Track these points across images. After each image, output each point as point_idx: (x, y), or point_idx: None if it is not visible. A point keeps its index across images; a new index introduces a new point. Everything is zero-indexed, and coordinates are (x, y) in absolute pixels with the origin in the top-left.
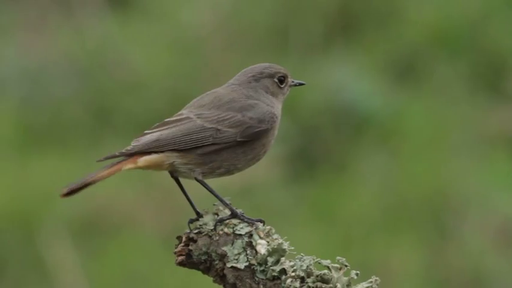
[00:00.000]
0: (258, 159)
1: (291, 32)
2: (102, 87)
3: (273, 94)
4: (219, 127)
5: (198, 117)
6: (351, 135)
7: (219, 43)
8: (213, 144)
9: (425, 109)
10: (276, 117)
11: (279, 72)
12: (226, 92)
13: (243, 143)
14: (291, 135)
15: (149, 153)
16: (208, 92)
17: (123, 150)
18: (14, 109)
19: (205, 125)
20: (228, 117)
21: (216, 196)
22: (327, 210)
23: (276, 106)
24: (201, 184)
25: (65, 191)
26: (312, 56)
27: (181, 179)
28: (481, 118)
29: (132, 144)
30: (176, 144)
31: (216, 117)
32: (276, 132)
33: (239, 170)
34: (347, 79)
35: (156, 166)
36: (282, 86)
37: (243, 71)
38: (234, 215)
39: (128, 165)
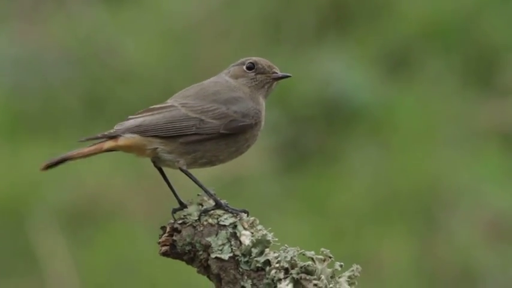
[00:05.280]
0: (241, 153)
1: (283, 23)
2: (94, 76)
3: (235, 77)
4: (203, 117)
5: (182, 106)
6: (342, 127)
7: (211, 33)
8: (195, 134)
9: (416, 102)
10: (261, 113)
11: (249, 59)
12: (210, 84)
13: (226, 136)
14: (282, 126)
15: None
16: (194, 84)
17: (106, 133)
18: (6, 96)
19: (189, 114)
20: (212, 108)
21: (200, 186)
22: (317, 201)
23: (246, 94)
24: (186, 174)
25: (44, 164)
26: (304, 47)
27: (164, 169)
28: (472, 111)
29: (115, 128)
30: (158, 130)
31: (200, 108)
32: (261, 127)
33: (221, 161)
34: (339, 71)
35: (137, 149)
36: (250, 72)
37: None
38: (218, 205)
39: (109, 143)
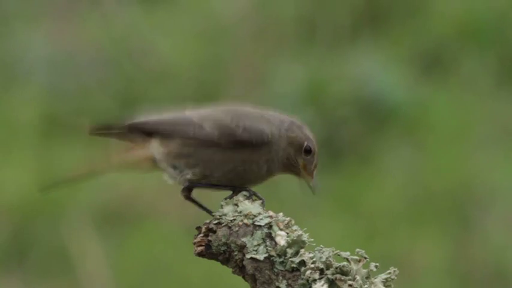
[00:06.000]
0: (242, 178)
1: (318, 22)
2: (129, 76)
3: (290, 140)
4: (204, 124)
5: (190, 112)
6: (377, 127)
7: (245, 33)
8: (193, 138)
9: (451, 102)
10: (267, 138)
11: (312, 144)
12: (256, 111)
13: (223, 151)
14: (316, 125)
15: (133, 145)
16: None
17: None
18: (40, 96)
19: (192, 119)
20: (216, 118)
21: (211, 186)
22: (351, 201)
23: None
24: (190, 186)
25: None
26: (338, 47)
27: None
28: (507, 111)
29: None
30: (161, 126)
31: (205, 116)
32: (266, 160)
33: (216, 179)
34: (373, 71)
35: (136, 162)
36: (303, 154)
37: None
38: (236, 190)
39: (104, 165)
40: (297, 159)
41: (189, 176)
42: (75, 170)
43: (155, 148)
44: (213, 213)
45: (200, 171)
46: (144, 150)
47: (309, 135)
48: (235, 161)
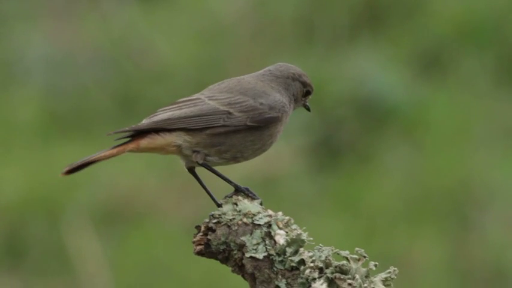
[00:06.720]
0: (264, 150)
1: (317, 22)
2: (128, 76)
3: (296, 99)
4: (231, 110)
5: (210, 99)
6: (375, 127)
7: (245, 33)
8: (223, 126)
9: (449, 101)
10: (287, 107)
11: (310, 87)
12: (252, 80)
13: (252, 132)
14: (315, 125)
15: (157, 133)
16: (233, 78)
17: (134, 126)
18: (39, 96)
19: (218, 107)
20: (239, 101)
21: (220, 176)
22: (350, 201)
23: (290, 106)
24: (205, 167)
25: (66, 169)
26: (337, 47)
27: (198, 173)
28: (505, 110)
29: (143, 121)
30: (186, 123)
31: (227, 100)
32: (284, 125)
33: (245, 158)
34: (372, 71)
35: (160, 149)
36: (303, 98)
37: (282, 64)
38: (238, 190)
39: (130, 147)
40: (301, 102)
41: (215, 161)
42: (104, 151)
43: (180, 137)
44: (218, 204)
45: (231, 155)
46: (168, 138)
47: (308, 82)
48: (264, 138)
